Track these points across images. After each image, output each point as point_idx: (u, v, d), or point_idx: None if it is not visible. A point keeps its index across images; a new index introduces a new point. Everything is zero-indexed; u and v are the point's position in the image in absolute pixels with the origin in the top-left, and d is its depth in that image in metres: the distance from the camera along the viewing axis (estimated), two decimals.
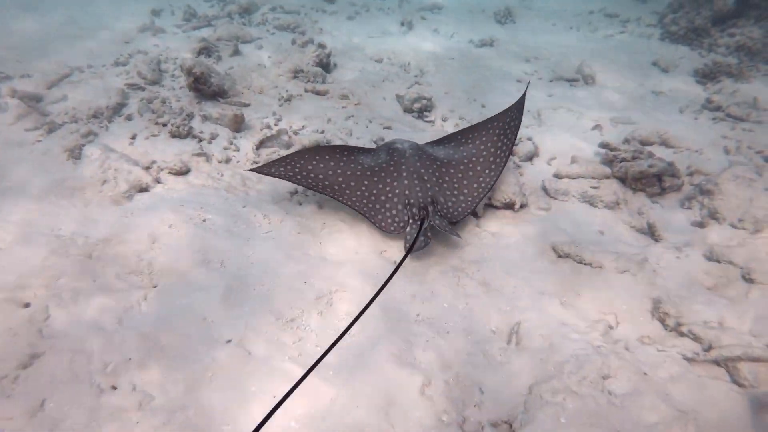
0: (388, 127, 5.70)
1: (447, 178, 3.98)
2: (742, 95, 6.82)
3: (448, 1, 10.88)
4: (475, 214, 4.35)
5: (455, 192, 3.93)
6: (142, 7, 8.90)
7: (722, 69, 7.62)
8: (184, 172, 4.68)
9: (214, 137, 5.27)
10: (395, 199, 3.82)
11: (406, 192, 3.83)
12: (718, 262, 3.94)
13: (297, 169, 3.90)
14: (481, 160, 4.09)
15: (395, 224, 3.75)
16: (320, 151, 4.06)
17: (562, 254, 3.92)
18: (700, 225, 4.36)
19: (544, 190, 4.72)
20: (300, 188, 4.63)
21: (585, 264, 3.86)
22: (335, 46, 7.94)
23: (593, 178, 4.83)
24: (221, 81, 5.95)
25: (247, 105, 5.98)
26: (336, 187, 3.87)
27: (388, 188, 3.87)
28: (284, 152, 5.18)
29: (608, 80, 7.29)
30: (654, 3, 11.71)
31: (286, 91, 6.30)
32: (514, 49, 8.34)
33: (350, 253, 3.89)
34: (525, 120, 5.92)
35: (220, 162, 4.93)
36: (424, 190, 3.83)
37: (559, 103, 6.30)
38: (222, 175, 4.73)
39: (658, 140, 5.54)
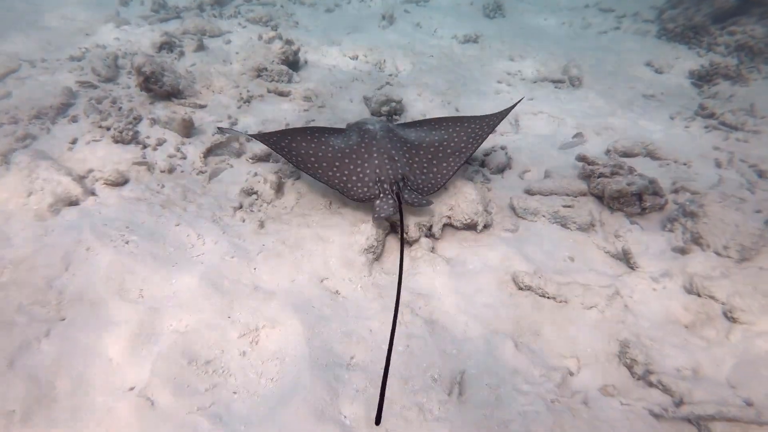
0: None
1: (417, 159, 4.13)
2: (739, 100, 6.38)
3: None
4: (432, 235, 3.95)
5: (424, 170, 4.08)
6: None
7: (720, 70, 7.16)
8: (120, 183, 4.28)
9: (160, 143, 4.86)
10: (366, 178, 3.94)
11: (377, 171, 3.94)
12: (699, 295, 3.55)
13: (284, 143, 4.10)
14: (452, 144, 4.22)
15: (363, 196, 3.89)
16: (297, 130, 4.24)
17: (523, 287, 3.52)
18: (682, 251, 3.95)
19: (512, 208, 4.30)
20: (246, 204, 4.24)
21: (548, 298, 3.47)
22: (308, 41, 7.49)
23: (567, 195, 4.41)
24: (175, 80, 5.53)
25: (202, 106, 5.57)
26: (309, 165, 4.01)
27: (359, 169, 3.99)
28: (234, 160, 4.77)
29: (596, 82, 6.83)
30: None
31: (247, 91, 5.88)
32: (499, 46, 7.87)
33: (286, 281, 3.51)
34: (501, 126, 5.49)
35: (162, 171, 4.53)
36: (395, 169, 3.93)
37: (540, 108, 5.86)
38: (162, 186, 4.34)
39: (643, 151, 5.11)
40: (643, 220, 4.34)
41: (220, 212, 4.15)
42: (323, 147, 4.15)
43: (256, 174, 4.54)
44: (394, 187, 3.85)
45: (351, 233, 3.83)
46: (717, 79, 7.10)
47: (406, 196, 3.80)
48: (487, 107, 5.84)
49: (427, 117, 5.65)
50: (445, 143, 4.23)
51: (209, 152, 4.77)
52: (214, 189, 4.44)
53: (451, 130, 4.34)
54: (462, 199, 4.03)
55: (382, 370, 2.49)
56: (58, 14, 7.57)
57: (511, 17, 9.63)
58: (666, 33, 8.62)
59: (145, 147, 4.78)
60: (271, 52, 6.28)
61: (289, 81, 6.23)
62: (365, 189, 3.92)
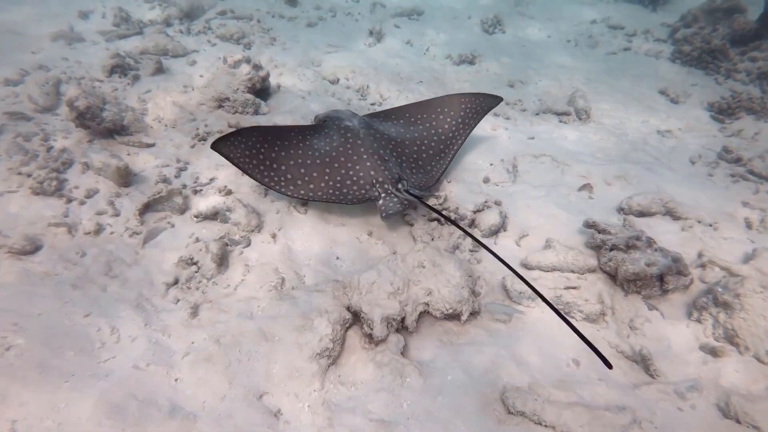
0: None
1: (404, 157, 4.06)
2: (767, 140, 5.66)
3: (430, 5, 9.63)
4: (404, 328, 3.22)
5: (413, 168, 4.04)
6: (71, 7, 7.70)
7: (742, 103, 6.44)
8: (29, 251, 3.56)
9: (91, 195, 4.15)
10: (361, 181, 3.80)
11: (371, 173, 3.81)
12: (738, 422, 2.82)
13: (261, 158, 3.79)
14: (433, 144, 4.23)
15: (361, 198, 3.76)
16: (275, 134, 3.95)
17: (513, 411, 2.80)
18: (713, 352, 3.24)
19: (505, 290, 3.58)
20: (182, 279, 3.52)
21: (545, 427, 2.74)
22: (285, 61, 6.77)
23: (573, 271, 3.69)
24: (118, 114, 4.81)
25: (150, 145, 4.84)
26: (299, 182, 3.80)
27: (351, 172, 3.83)
28: (177, 218, 4.05)
29: (606, 115, 6.11)
30: (665, 12, 10.49)
31: (205, 125, 5.16)
32: (497, 69, 7.15)
33: (215, 397, 2.79)
34: (496, 174, 4.78)
35: (87, 234, 3.81)
36: (390, 169, 3.83)
37: (542, 149, 5.14)
38: (83, 255, 3.62)
39: (662, 209, 4.39)
40: (663, 302, 3.62)
41: (150, 291, 3.44)
42: (309, 152, 3.92)
43: (198, 239, 3.81)
44: (400, 186, 3.75)
45: (302, 329, 3.11)
46: (740, 113, 6.40)
47: (409, 196, 3.70)
48: (482, 148, 5.12)
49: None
50: (426, 141, 4.24)
51: (147, 208, 4.05)
52: (148, 257, 3.72)
53: (428, 124, 4.31)
54: (443, 283, 3.31)
55: None
56: (4, 27, 6.84)
57: (512, 33, 8.91)
58: (681, 56, 7.90)
59: (70, 201, 4.06)
60: (236, 79, 5.55)
61: (256, 112, 5.50)
62: (363, 191, 3.78)
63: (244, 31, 7.29)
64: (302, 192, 3.76)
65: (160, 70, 6.12)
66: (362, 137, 4.00)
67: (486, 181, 4.69)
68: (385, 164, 3.85)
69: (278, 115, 5.51)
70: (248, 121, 5.30)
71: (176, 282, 3.54)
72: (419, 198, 3.66)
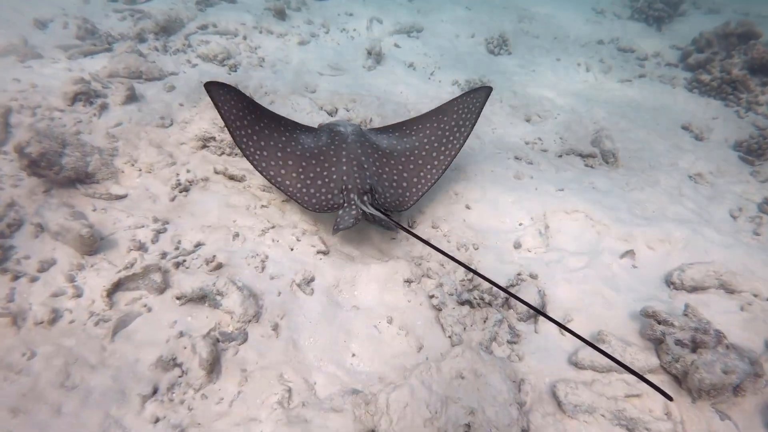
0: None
1: (387, 169, 3.96)
2: None
3: (429, 21, 9.07)
4: None
5: (393, 184, 3.91)
6: (25, 13, 6.87)
7: None
8: None
9: (45, 268, 3.46)
10: (332, 185, 3.75)
11: (344, 178, 3.75)
12: None
13: (246, 122, 3.72)
14: (423, 153, 4.07)
15: (326, 205, 3.70)
16: (267, 115, 3.90)
17: None
18: None
19: (556, 399, 3.03)
20: (163, 387, 2.88)
21: None
22: (275, 87, 6.12)
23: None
24: (81, 160, 4.11)
25: (121, 197, 4.15)
26: (273, 163, 3.75)
27: (325, 173, 3.79)
28: (154, 299, 3.38)
29: (634, 157, 5.65)
30: (672, 33, 10.19)
31: (187, 171, 4.49)
32: (511, 99, 6.63)
33: None
34: (528, 238, 4.24)
35: (39, 324, 3.11)
36: (363, 178, 3.75)
37: (574, 204, 4.63)
38: (31, 356, 2.93)
39: (716, 282, 3.91)
40: (734, 408, 3.13)
41: (120, 407, 2.79)
42: (293, 143, 3.89)
43: (182, 334, 3.16)
44: (365, 198, 3.65)
45: None
46: None
47: (370, 210, 3.56)
48: (508, 201, 4.58)
49: (426, 215, 4.38)
50: (416, 152, 4.08)
51: (118, 286, 3.36)
52: (119, 354, 3.06)
53: (421, 134, 4.17)
54: (488, 400, 2.74)
55: None
56: None
57: (519, 54, 8.43)
58: (699, 85, 7.53)
59: (17, 278, 3.36)
60: None
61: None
62: (329, 197, 3.72)
63: (229, 50, 6.59)
64: (271, 173, 3.72)
65: (132, 97, 5.39)
66: (349, 142, 3.96)
67: (517, 246, 4.15)
68: (361, 172, 3.77)
69: None
70: (237, 165, 4.64)
71: (155, 392, 2.89)
72: (385, 214, 3.54)
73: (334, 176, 3.77)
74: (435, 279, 3.75)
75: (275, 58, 6.91)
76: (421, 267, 3.84)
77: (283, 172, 3.75)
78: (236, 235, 3.89)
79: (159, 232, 3.87)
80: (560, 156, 5.60)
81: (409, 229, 3.68)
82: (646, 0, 10.64)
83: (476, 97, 4.22)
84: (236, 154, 4.80)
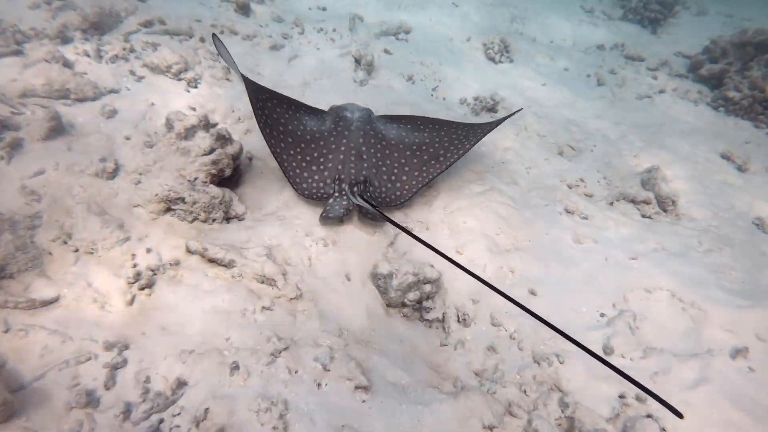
0: None
1: (389, 162, 3.91)
2: None
3: (417, 20, 7.99)
4: None
5: (392, 177, 3.88)
6: None
7: None
8: None
9: None
10: (326, 173, 3.77)
11: (339, 167, 3.75)
12: None
13: (264, 97, 3.85)
14: (431, 150, 3.98)
15: (316, 193, 3.73)
16: (270, 90, 3.97)
17: None
18: None
19: None
20: None
21: None
22: (248, 107, 4.85)
23: None
24: None
25: (49, 302, 2.86)
26: (275, 134, 3.78)
27: (321, 159, 3.81)
28: None
29: (692, 202, 4.92)
30: (669, 37, 9.71)
31: (147, 250, 3.24)
32: (534, 124, 5.73)
33: None
34: (617, 337, 3.34)
35: None
36: (358, 169, 3.75)
37: (654, 278, 3.80)
38: None
39: None
40: None
41: None
42: (295, 122, 3.94)
43: None
44: (355, 189, 3.65)
45: None
46: None
47: (359, 201, 3.56)
48: (578, 279, 3.66)
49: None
50: (424, 147, 4.01)
51: None
52: None
53: (434, 134, 4.09)
54: None
55: None
56: None
57: (521, 63, 7.54)
58: (726, 103, 6.95)
59: None
60: (191, 162, 3.62)
61: (226, 218, 3.64)
62: (321, 185, 3.75)
63: (186, 59, 5.21)
64: (272, 142, 3.75)
65: (58, 129, 3.99)
66: (352, 130, 3.93)
67: (608, 351, 3.24)
68: (358, 162, 3.76)
69: (262, 223, 3.67)
70: (220, 239, 3.41)
71: None
72: (373, 206, 3.45)
73: (330, 164, 3.76)
74: (522, 418, 2.76)
75: (244, 68, 5.60)
76: (497, 397, 2.83)
77: (282, 145, 3.76)
78: (234, 366, 2.70)
79: (115, 367, 2.62)
80: (611, 203, 4.74)
81: (400, 224, 3.13)
82: (641, 0, 10.06)
83: (499, 121, 4.17)
84: (213, 219, 3.57)
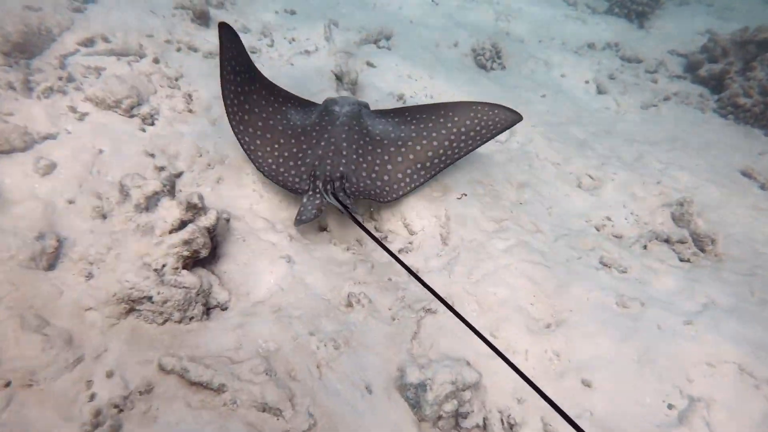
0: None
1: (369, 158, 3.77)
2: None
3: (396, 21, 7.30)
4: None
5: (373, 175, 3.74)
6: None
7: None
8: None
9: None
10: (302, 168, 3.68)
11: (316, 163, 3.66)
12: None
13: (240, 80, 3.72)
14: (417, 148, 3.81)
15: (291, 187, 3.64)
16: (262, 79, 3.93)
17: None
18: None
19: None
20: None
21: None
22: (223, 151, 4.12)
23: None
24: None
25: None
26: (251, 131, 3.74)
27: (300, 154, 3.73)
28: None
29: (728, 237, 4.48)
30: (658, 32, 9.36)
31: (108, 374, 2.51)
32: (545, 150, 5.18)
33: None
34: None
35: None
36: (335, 165, 3.65)
37: (715, 348, 3.32)
38: None
39: None
40: None
41: None
42: (278, 116, 3.85)
43: None
44: (328, 187, 3.52)
45: None
46: None
47: (330, 199, 3.45)
48: (632, 357, 3.16)
49: None
50: (409, 144, 3.82)
51: None
52: None
53: (422, 125, 3.87)
54: None
55: None
56: None
57: (515, 70, 7.00)
58: (737, 110, 6.59)
59: None
60: (156, 244, 2.88)
61: (206, 311, 2.92)
62: (296, 180, 3.65)
63: (138, 89, 4.37)
64: (246, 140, 3.72)
65: None
66: (336, 125, 3.83)
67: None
68: (335, 158, 3.66)
69: (253, 318, 2.98)
70: (192, 341, 2.71)
71: None
72: (345, 207, 3.38)
73: (308, 159, 3.68)
74: None
75: (210, 95, 4.79)
76: None
77: (258, 142, 3.73)
78: None
79: None
80: (644, 247, 4.25)
81: (370, 231, 3.16)
82: None
83: (499, 116, 3.85)
84: (190, 317, 2.85)
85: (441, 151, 3.80)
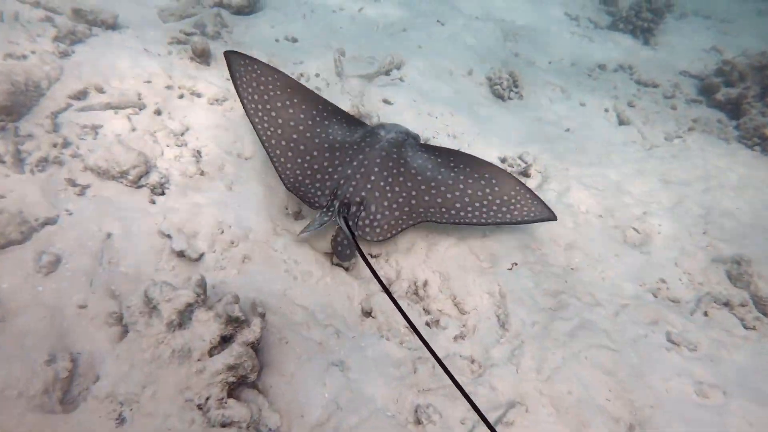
0: None
1: (397, 189, 3.64)
2: None
3: (407, 48, 6.94)
4: None
5: (393, 206, 3.59)
6: None
7: None
8: None
9: None
10: (327, 183, 3.65)
11: (341, 182, 3.61)
12: None
13: (268, 98, 3.82)
14: (449, 196, 3.68)
15: (308, 201, 3.61)
16: (302, 91, 3.95)
17: None
18: None
19: None
20: None
21: None
22: (247, 226, 3.72)
23: None
24: None
25: None
26: (283, 143, 3.75)
27: (330, 169, 3.70)
28: None
29: None
30: (665, 49, 9.24)
31: None
32: (587, 199, 4.88)
33: None
34: None
35: None
36: (358, 188, 3.57)
37: None
38: None
39: None
40: None
41: None
42: (317, 129, 3.84)
43: None
44: (342, 209, 3.47)
45: None
46: None
47: (343, 225, 3.36)
48: None
49: None
50: (443, 188, 3.70)
51: None
52: None
53: (462, 176, 3.75)
54: None
55: None
56: None
57: (533, 98, 6.72)
58: (763, 143, 6.43)
59: None
60: (193, 364, 2.48)
61: None
62: (318, 194, 3.62)
63: (144, 154, 3.91)
64: (277, 152, 3.72)
65: None
66: (375, 149, 3.75)
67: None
68: (361, 181, 3.58)
69: None
70: None
71: None
72: (351, 233, 3.27)
73: (335, 176, 3.64)
74: None
75: (221, 150, 4.37)
76: None
77: (290, 154, 3.72)
78: None
79: None
80: (705, 313, 4.00)
81: (373, 268, 3.05)
82: (633, 8, 9.48)
83: (535, 209, 3.74)
84: None
85: (469, 208, 3.67)
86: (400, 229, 3.56)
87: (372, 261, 3.82)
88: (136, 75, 4.77)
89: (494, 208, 3.69)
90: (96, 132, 4.13)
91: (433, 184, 3.70)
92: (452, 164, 3.83)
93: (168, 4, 6.37)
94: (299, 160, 3.70)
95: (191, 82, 4.94)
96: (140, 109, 4.50)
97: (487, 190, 3.73)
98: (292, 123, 3.80)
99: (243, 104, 3.80)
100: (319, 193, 3.60)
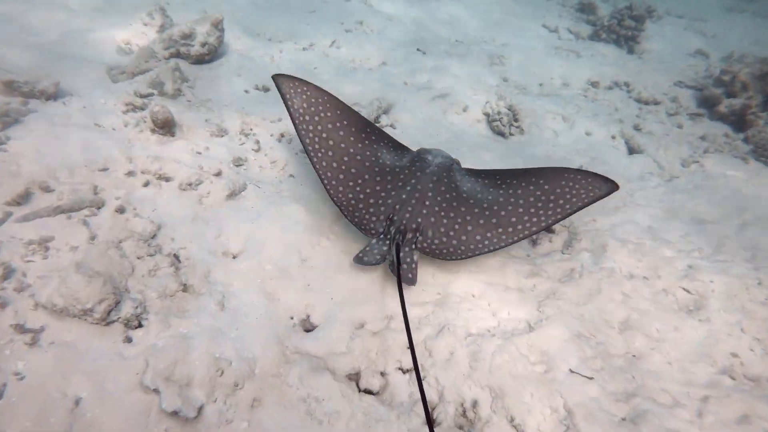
0: None
1: (453, 214, 3.63)
2: None
3: (396, 91, 6.35)
4: None
5: (450, 232, 3.57)
6: None
7: None
8: None
9: None
10: (382, 208, 3.64)
11: (397, 207, 3.61)
12: None
13: (319, 119, 3.83)
14: (502, 213, 3.61)
15: (364, 227, 3.61)
16: (351, 114, 3.96)
17: None
18: None
19: None
20: None
21: None
22: (253, 354, 3.06)
23: None
24: None
25: None
26: (334, 165, 3.76)
27: (383, 193, 3.69)
28: None
29: None
30: (651, 57, 8.97)
31: None
32: (619, 249, 4.40)
33: None
34: None
35: None
36: (415, 214, 3.57)
37: None
38: None
39: None
40: None
41: None
42: (367, 153, 3.85)
43: None
44: (398, 236, 3.46)
45: None
46: None
47: (402, 254, 3.41)
48: None
49: None
50: (495, 208, 3.64)
51: None
52: None
53: (510, 191, 3.71)
54: None
55: None
56: None
57: (534, 132, 6.25)
58: None
59: None
60: None
61: None
62: (373, 219, 3.61)
63: (112, 277, 3.19)
64: (329, 175, 3.72)
65: None
66: (426, 173, 3.78)
67: None
68: (417, 207, 3.57)
69: None
70: None
71: None
72: (398, 267, 3.29)
73: (390, 200, 3.63)
74: None
75: (203, 252, 3.66)
76: None
77: (341, 177, 3.72)
78: None
79: None
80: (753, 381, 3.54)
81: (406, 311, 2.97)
82: (615, 17, 9.17)
83: (593, 185, 3.59)
84: None
85: (526, 218, 3.59)
86: (458, 258, 3.55)
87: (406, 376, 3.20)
88: (89, 162, 4.04)
89: (550, 205, 3.60)
90: (46, 248, 3.39)
91: (485, 205, 3.67)
92: (499, 182, 3.81)
93: (117, 61, 5.62)
94: (351, 183, 3.69)
95: (156, 164, 4.22)
96: (98, 209, 3.76)
97: (539, 192, 3.65)
98: (342, 145, 3.80)
99: (295, 125, 3.79)
100: (374, 218, 3.60)
